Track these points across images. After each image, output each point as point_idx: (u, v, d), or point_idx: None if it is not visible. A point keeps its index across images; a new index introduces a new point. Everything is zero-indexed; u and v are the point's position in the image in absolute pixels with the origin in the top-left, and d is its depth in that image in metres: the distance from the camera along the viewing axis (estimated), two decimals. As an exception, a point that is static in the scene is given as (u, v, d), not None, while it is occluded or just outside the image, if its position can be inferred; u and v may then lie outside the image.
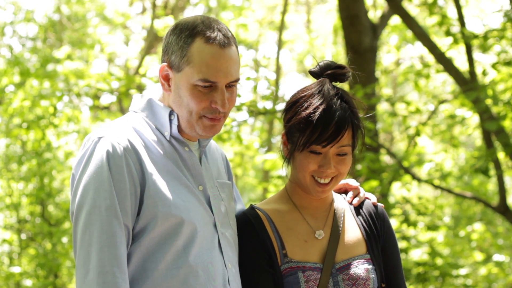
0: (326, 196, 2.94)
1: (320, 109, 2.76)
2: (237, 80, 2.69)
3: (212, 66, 2.63)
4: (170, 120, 2.70)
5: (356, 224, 2.94)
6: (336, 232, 2.88)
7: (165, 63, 2.69)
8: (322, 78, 2.89)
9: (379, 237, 2.94)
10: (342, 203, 2.97)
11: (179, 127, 2.71)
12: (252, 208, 2.93)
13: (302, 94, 2.84)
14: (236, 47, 2.70)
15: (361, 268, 2.84)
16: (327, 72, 2.90)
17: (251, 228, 2.85)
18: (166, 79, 2.71)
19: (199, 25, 2.66)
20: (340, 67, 2.89)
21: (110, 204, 2.54)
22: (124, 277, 2.52)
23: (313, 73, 2.93)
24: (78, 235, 2.56)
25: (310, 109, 2.77)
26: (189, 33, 2.65)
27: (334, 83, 2.89)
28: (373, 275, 2.85)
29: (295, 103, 2.84)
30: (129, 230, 2.58)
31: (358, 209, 2.98)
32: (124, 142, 2.62)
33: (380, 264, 2.91)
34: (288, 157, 2.87)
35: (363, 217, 2.96)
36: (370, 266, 2.86)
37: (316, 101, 2.79)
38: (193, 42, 2.64)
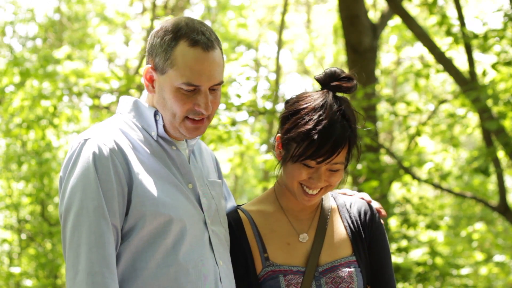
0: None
1: (320, 127, 2.69)
2: (220, 83, 2.69)
3: (195, 70, 2.63)
4: (156, 120, 2.71)
5: (342, 225, 2.90)
6: (320, 234, 2.85)
7: (149, 65, 2.70)
8: (325, 90, 2.79)
9: (366, 238, 2.89)
10: (330, 202, 2.94)
11: (164, 126, 2.72)
12: (236, 210, 2.91)
13: (304, 106, 2.76)
14: (220, 49, 2.70)
15: (344, 271, 2.80)
16: (332, 82, 2.80)
17: (230, 232, 2.83)
18: (150, 80, 2.72)
19: (183, 27, 2.65)
20: (347, 78, 2.79)
21: (97, 205, 2.54)
22: (113, 277, 2.53)
23: (318, 80, 2.83)
24: (67, 236, 2.56)
25: (310, 125, 2.70)
26: (173, 35, 2.65)
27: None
28: (358, 277, 2.81)
29: (296, 114, 2.76)
30: (118, 230, 2.58)
31: (346, 209, 2.93)
32: (110, 143, 2.62)
33: (368, 266, 2.87)
34: (281, 162, 2.83)
35: (351, 217, 2.91)
36: (354, 269, 2.82)
37: (316, 117, 2.71)
38: (176, 45, 2.64)
